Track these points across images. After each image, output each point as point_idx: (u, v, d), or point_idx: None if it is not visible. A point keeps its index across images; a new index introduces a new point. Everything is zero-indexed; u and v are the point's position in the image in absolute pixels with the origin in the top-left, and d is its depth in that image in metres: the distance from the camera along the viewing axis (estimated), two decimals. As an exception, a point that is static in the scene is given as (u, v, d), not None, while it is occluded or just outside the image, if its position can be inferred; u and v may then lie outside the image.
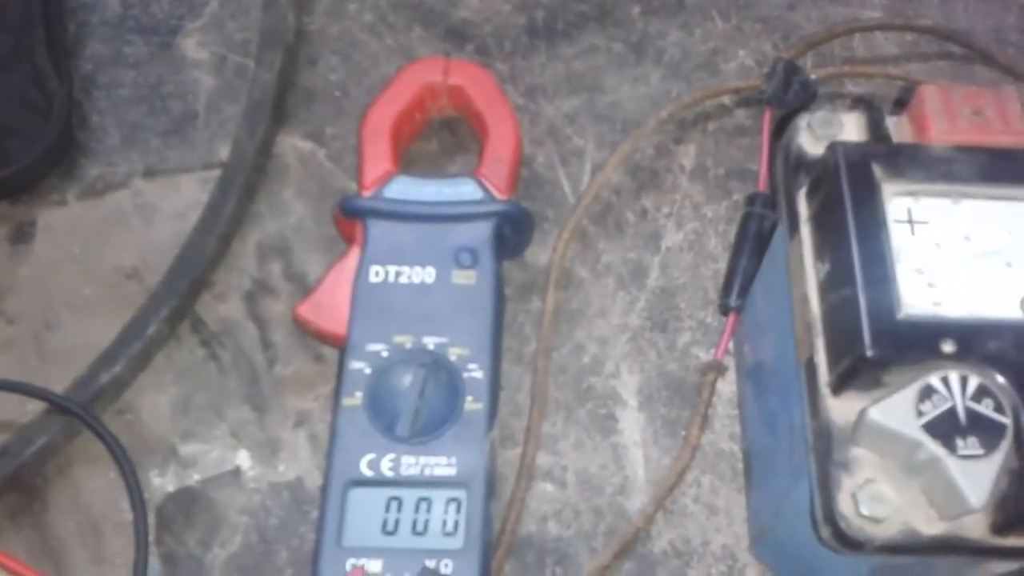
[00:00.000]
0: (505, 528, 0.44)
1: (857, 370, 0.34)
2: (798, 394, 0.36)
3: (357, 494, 0.42)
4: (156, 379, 0.47)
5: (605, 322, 0.49)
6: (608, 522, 0.45)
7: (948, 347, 0.33)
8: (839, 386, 0.35)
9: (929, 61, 0.56)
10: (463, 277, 0.46)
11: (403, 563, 0.40)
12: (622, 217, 0.52)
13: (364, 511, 0.41)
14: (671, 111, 0.52)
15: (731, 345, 0.48)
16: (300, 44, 0.56)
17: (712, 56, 0.56)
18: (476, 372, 0.44)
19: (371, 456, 0.42)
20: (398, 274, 0.46)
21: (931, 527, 0.33)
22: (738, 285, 0.47)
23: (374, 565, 0.40)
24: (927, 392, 0.33)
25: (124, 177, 0.52)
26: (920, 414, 0.32)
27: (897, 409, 0.33)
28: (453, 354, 0.44)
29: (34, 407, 0.45)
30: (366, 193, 0.48)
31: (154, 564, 0.43)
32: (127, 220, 0.51)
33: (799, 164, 0.40)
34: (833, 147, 0.37)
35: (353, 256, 0.47)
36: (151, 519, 0.44)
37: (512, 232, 0.48)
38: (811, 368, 0.36)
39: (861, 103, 0.40)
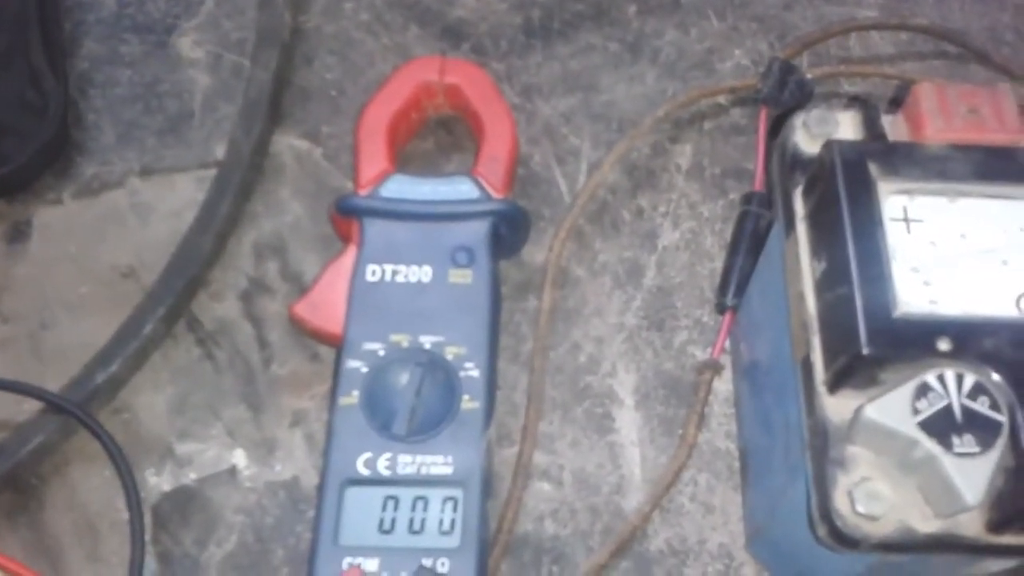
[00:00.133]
0: (502, 527, 0.44)
1: (853, 368, 0.34)
2: (794, 392, 0.36)
3: (354, 493, 0.42)
4: (152, 378, 0.47)
5: (601, 321, 0.49)
6: (605, 521, 0.45)
7: (944, 345, 0.33)
8: (835, 384, 0.35)
9: (924, 60, 0.56)
10: (459, 276, 0.46)
11: (400, 562, 0.40)
12: (618, 216, 0.52)
13: (361, 510, 0.41)
14: (667, 110, 0.52)
15: (727, 344, 0.48)
16: (296, 43, 0.56)
17: (708, 55, 0.56)
18: (473, 371, 0.44)
19: (368, 455, 0.42)
20: (394, 273, 0.46)
21: (927, 525, 0.33)
22: (734, 284, 0.47)
23: (371, 564, 0.40)
24: (923, 390, 0.33)
25: (120, 176, 0.52)
26: (916, 412, 0.33)
27: (893, 407, 0.33)
28: (450, 353, 0.44)
29: (30, 406, 0.45)
30: (362, 192, 0.48)
31: (150, 563, 0.43)
32: (123, 219, 0.51)
33: (795, 163, 0.40)
34: (829, 145, 0.37)
35: (349, 255, 0.47)
36: (147, 518, 0.44)
37: (508, 231, 0.48)
38: (807, 366, 0.36)
39: (857, 102, 0.40)
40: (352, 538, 0.41)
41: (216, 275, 0.50)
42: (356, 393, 0.43)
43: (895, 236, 0.36)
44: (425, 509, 0.41)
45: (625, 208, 0.52)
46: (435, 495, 0.42)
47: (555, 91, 0.55)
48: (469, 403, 0.43)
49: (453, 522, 0.41)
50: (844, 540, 0.33)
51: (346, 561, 0.40)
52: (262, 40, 0.54)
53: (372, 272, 0.46)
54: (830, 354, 0.35)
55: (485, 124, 0.50)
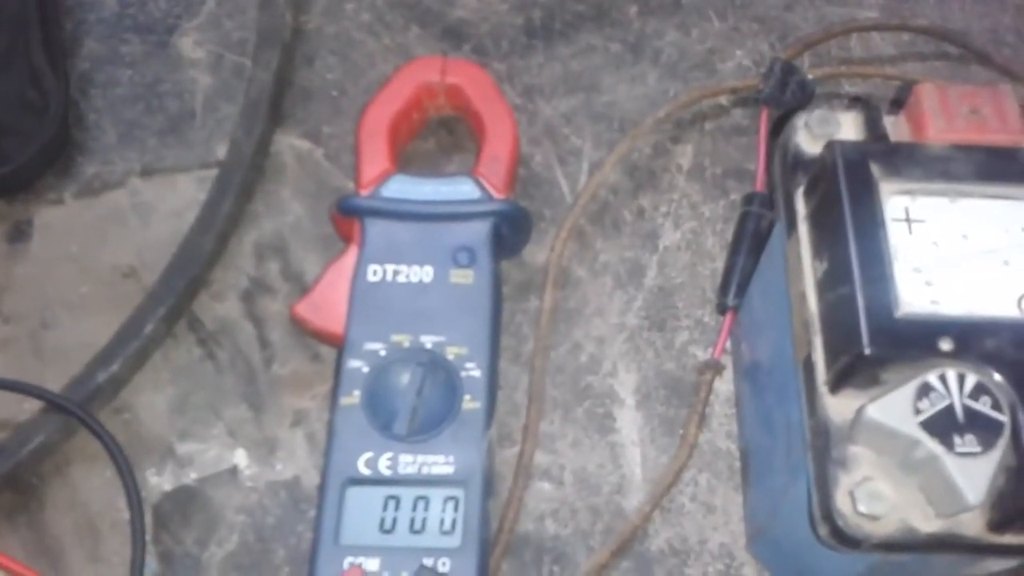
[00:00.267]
0: (503, 527, 0.44)
1: (855, 368, 0.34)
2: (796, 392, 0.36)
3: (355, 492, 0.42)
4: (153, 378, 0.47)
5: (603, 321, 0.49)
6: (605, 521, 0.45)
7: (946, 345, 0.33)
8: (837, 384, 0.35)
9: (926, 61, 0.56)
10: (461, 276, 0.46)
11: (401, 561, 0.40)
12: (619, 216, 0.52)
13: (362, 509, 0.41)
14: (668, 111, 0.52)
15: (728, 344, 0.48)
16: (297, 43, 0.56)
17: (709, 56, 0.56)
18: (474, 371, 0.44)
19: (369, 455, 0.42)
20: (396, 273, 0.46)
21: (928, 524, 0.33)
22: (735, 284, 0.47)
23: (372, 563, 0.40)
24: (925, 390, 0.33)
25: (121, 176, 0.52)
26: (918, 412, 0.33)
27: (895, 407, 0.33)
28: (451, 353, 0.44)
29: (31, 406, 0.45)
30: (364, 192, 0.48)
31: (151, 563, 0.43)
32: (124, 219, 0.51)
33: (796, 163, 0.40)
34: (831, 146, 0.37)
35: (351, 255, 0.47)
36: (148, 518, 0.44)
37: (510, 231, 0.48)
38: (809, 366, 0.36)
39: (858, 102, 0.40)
40: (353, 538, 0.41)
41: (217, 275, 0.50)
42: (357, 393, 0.43)
43: (897, 236, 0.36)
44: (426, 509, 0.41)
45: (626, 208, 0.52)
46: (436, 495, 0.42)
47: (556, 91, 0.55)
48: (470, 403, 0.43)
49: (454, 522, 0.41)
50: (846, 540, 0.33)
51: (347, 561, 0.40)
52: (263, 40, 0.54)
53: (373, 272, 0.46)
54: (832, 354, 0.35)
55: (486, 124, 0.50)
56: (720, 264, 0.49)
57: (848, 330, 0.34)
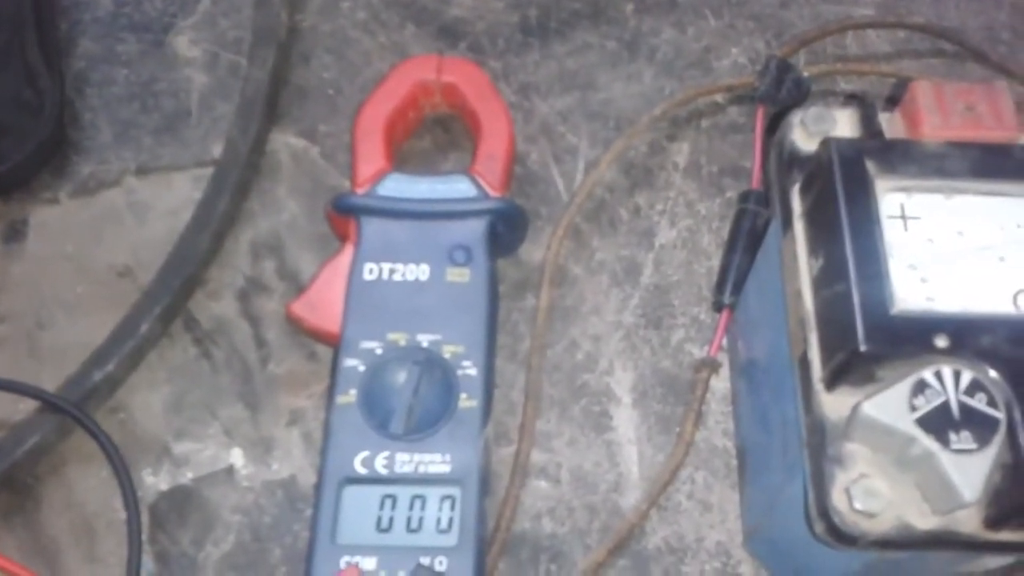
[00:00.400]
0: (499, 525, 0.44)
1: (850, 365, 0.34)
2: (791, 390, 0.37)
3: (351, 492, 0.42)
4: (149, 377, 0.47)
5: (599, 319, 0.49)
6: (602, 519, 0.45)
7: (941, 342, 0.33)
8: (832, 381, 0.35)
9: (921, 59, 0.56)
10: (457, 275, 0.46)
11: (397, 560, 0.40)
12: (616, 214, 0.52)
13: (358, 508, 0.41)
14: (664, 109, 0.52)
15: (725, 342, 0.48)
16: (293, 42, 0.56)
17: (705, 54, 0.56)
18: (470, 369, 0.44)
19: (365, 454, 0.42)
20: (392, 271, 0.46)
21: (924, 521, 0.33)
22: (731, 282, 0.47)
23: (368, 563, 0.40)
24: (920, 387, 0.33)
25: (117, 175, 0.52)
26: (913, 409, 0.33)
27: (890, 404, 0.33)
28: (447, 351, 0.44)
29: (27, 406, 0.45)
30: (359, 191, 0.48)
31: (147, 563, 0.43)
32: (120, 218, 0.51)
33: (792, 161, 0.40)
34: (826, 143, 0.37)
35: (347, 254, 0.47)
36: (144, 518, 0.44)
37: (506, 229, 0.48)
38: (804, 364, 0.36)
39: (854, 99, 0.40)
40: (350, 537, 0.41)
41: (213, 274, 0.49)
42: (354, 392, 0.43)
43: (892, 233, 0.36)
44: (423, 508, 0.41)
45: (622, 206, 0.52)
46: (433, 493, 0.42)
47: (552, 90, 0.55)
48: (467, 401, 0.43)
49: (451, 520, 0.41)
50: (842, 537, 0.33)
51: (344, 560, 0.40)
52: (259, 39, 0.54)
53: (369, 271, 0.46)
54: (827, 351, 0.35)
55: (482, 122, 0.50)
56: (716, 262, 0.49)
57: (844, 327, 0.34)
